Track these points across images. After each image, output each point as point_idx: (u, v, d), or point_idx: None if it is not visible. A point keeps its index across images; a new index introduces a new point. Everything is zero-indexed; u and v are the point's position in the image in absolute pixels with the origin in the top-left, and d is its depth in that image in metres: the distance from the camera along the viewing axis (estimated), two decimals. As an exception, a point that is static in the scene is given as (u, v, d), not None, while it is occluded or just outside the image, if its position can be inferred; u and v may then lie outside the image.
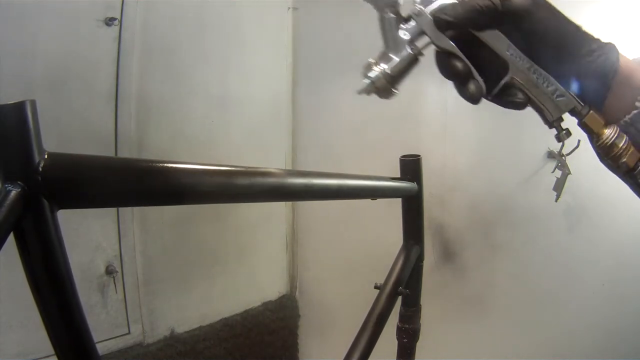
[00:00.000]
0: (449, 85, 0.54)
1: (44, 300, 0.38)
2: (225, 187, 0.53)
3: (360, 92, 0.53)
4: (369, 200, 0.98)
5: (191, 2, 1.50)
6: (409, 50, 0.50)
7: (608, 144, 0.44)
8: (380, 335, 0.83)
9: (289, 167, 1.91)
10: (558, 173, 1.48)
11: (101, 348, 1.28)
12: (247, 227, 1.75)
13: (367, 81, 0.52)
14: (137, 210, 1.40)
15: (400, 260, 1.01)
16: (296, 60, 1.93)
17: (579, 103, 0.45)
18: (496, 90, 0.48)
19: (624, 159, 0.43)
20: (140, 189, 0.45)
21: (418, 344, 1.12)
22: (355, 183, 0.85)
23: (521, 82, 0.46)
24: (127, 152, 1.35)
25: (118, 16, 1.29)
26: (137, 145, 1.37)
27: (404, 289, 0.95)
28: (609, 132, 0.44)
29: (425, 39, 0.49)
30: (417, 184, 1.05)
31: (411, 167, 1.05)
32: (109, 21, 1.27)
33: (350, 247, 1.85)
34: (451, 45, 0.47)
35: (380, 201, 1.00)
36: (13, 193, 0.34)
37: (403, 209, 1.09)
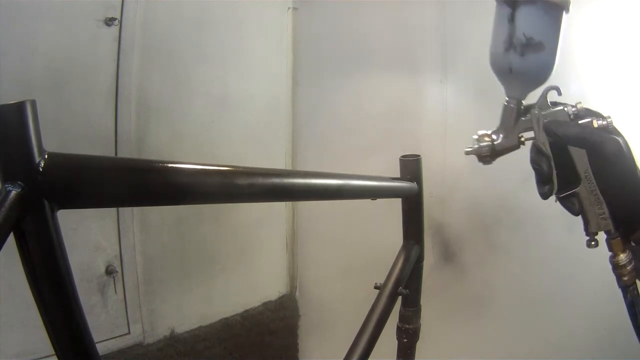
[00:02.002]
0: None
1: (44, 300, 0.38)
2: (225, 187, 0.53)
3: (467, 153, 0.68)
4: (369, 200, 0.98)
5: (191, 2, 1.50)
6: (517, 139, 0.63)
7: (619, 264, 0.59)
8: (380, 335, 0.83)
9: (289, 167, 1.91)
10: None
11: (101, 348, 1.28)
12: (247, 227, 1.75)
13: (476, 146, 0.66)
14: (137, 210, 1.40)
15: (400, 260, 1.01)
16: (296, 60, 1.93)
17: (614, 228, 0.59)
18: (563, 195, 0.60)
19: (625, 278, 0.59)
20: (140, 189, 0.45)
21: (418, 344, 1.12)
22: (355, 183, 0.85)
23: (582, 197, 0.59)
24: (127, 152, 1.35)
25: (118, 16, 1.29)
26: (137, 145, 1.37)
27: (404, 289, 0.95)
28: (623, 257, 0.59)
29: (531, 133, 0.62)
30: (417, 184, 1.05)
31: (411, 167, 1.05)
32: (109, 21, 1.27)
33: (350, 247, 1.85)
34: (548, 150, 0.60)
35: (380, 201, 1.00)
36: (13, 193, 0.34)
37: (403, 209, 1.09)
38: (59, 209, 0.38)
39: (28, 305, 0.38)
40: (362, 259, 1.74)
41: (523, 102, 0.62)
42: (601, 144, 0.55)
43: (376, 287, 0.94)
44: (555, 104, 0.61)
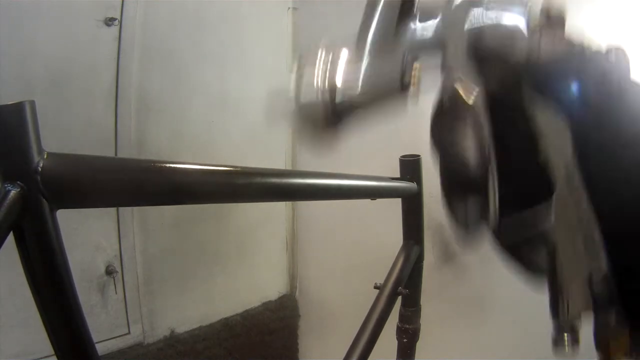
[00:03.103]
0: None
1: (44, 300, 0.38)
2: (225, 187, 0.53)
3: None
4: (369, 200, 0.98)
5: (191, 2, 1.50)
6: (400, 72, 0.27)
7: None
8: (380, 335, 0.83)
9: (289, 167, 1.91)
10: None
11: (101, 348, 1.28)
12: (247, 227, 1.75)
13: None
14: (137, 210, 1.40)
15: (400, 260, 1.01)
16: (296, 60, 1.92)
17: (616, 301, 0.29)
18: (511, 230, 0.27)
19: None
20: (140, 189, 0.45)
21: (418, 344, 1.12)
22: (355, 183, 0.85)
23: (558, 234, 0.27)
24: (127, 152, 1.35)
25: (118, 16, 1.29)
26: (137, 145, 1.37)
27: (404, 289, 0.95)
28: None
29: (435, 59, 0.26)
30: (417, 184, 1.05)
31: (411, 167, 1.05)
32: (109, 21, 1.27)
33: (350, 247, 1.85)
34: (474, 93, 0.25)
35: (380, 201, 1.00)
36: (12, 193, 0.34)
37: (403, 209, 1.09)
38: (59, 208, 0.38)
39: (28, 305, 0.38)
40: (362, 259, 1.74)
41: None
42: (615, 82, 0.24)
43: (376, 287, 0.94)
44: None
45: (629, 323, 0.25)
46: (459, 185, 0.27)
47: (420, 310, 1.12)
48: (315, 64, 0.31)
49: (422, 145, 1.70)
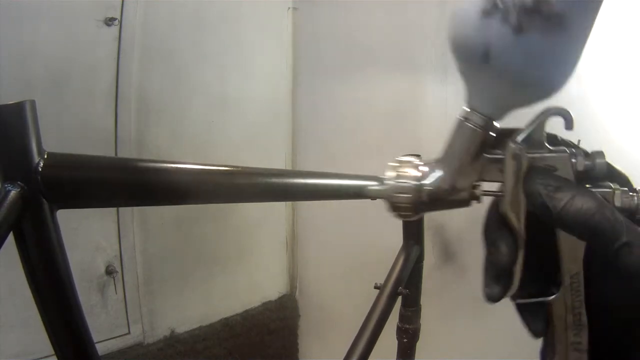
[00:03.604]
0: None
1: (44, 300, 0.38)
2: (225, 187, 0.53)
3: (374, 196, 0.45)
4: (369, 200, 0.97)
5: (191, 2, 1.50)
6: (469, 188, 0.35)
7: None
8: (380, 335, 0.83)
9: (289, 167, 1.91)
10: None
11: (101, 348, 1.28)
12: (247, 227, 1.75)
13: (389, 185, 0.39)
14: (137, 210, 1.40)
15: (400, 260, 1.01)
16: (296, 60, 1.92)
17: None
18: (525, 301, 0.35)
19: None
20: (140, 189, 0.45)
21: (418, 344, 1.12)
22: (355, 183, 0.85)
23: (555, 312, 0.33)
24: (127, 152, 1.35)
25: (118, 16, 1.29)
26: (137, 145, 1.37)
27: (404, 289, 0.95)
28: None
29: (496, 185, 0.34)
30: (417, 184, 1.05)
31: (411, 167, 1.05)
32: (109, 21, 1.27)
33: (350, 247, 1.85)
34: (521, 226, 0.31)
35: (380, 201, 1.00)
36: (13, 193, 0.34)
37: (403, 209, 1.08)
38: (59, 209, 0.38)
39: (28, 305, 0.38)
40: (362, 259, 1.74)
41: (496, 124, 0.34)
42: (622, 246, 0.27)
43: (376, 287, 0.94)
44: (556, 141, 0.33)
45: None
46: (493, 265, 0.35)
47: (420, 310, 1.12)
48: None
49: (422, 145, 1.71)
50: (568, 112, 0.33)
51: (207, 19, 1.56)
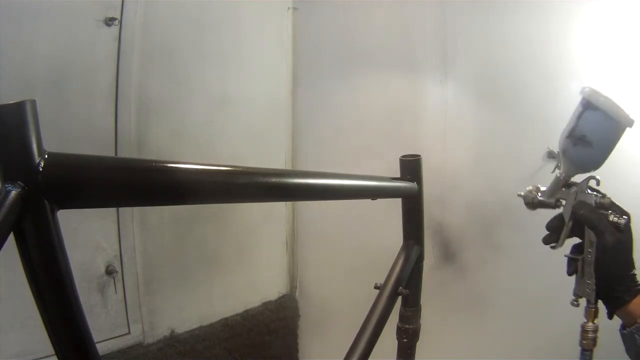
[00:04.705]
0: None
1: (44, 300, 0.38)
2: (225, 187, 0.53)
3: (519, 195, 0.81)
4: (369, 200, 0.97)
5: (191, 2, 1.50)
6: (555, 201, 0.78)
7: (586, 329, 0.73)
8: (380, 335, 0.83)
9: (289, 167, 1.91)
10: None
11: (101, 348, 1.28)
12: (247, 227, 1.75)
13: (525, 193, 0.80)
14: (137, 210, 1.40)
15: (400, 260, 1.01)
16: (296, 60, 1.92)
17: (594, 300, 0.72)
18: (559, 246, 0.76)
19: (585, 342, 0.73)
20: (140, 189, 0.45)
21: (418, 344, 1.12)
22: (355, 183, 0.85)
23: (579, 264, 0.73)
24: (127, 152, 1.35)
25: (118, 16, 1.29)
26: (137, 145, 1.37)
27: (404, 289, 0.95)
28: (591, 325, 0.73)
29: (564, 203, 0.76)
30: (417, 184, 1.05)
31: (411, 167, 1.05)
32: (109, 21, 1.27)
33: (350, 247, 1.85)
34: (567, 219, 0.74)
35: (380, 201, 1.00)
36: (13, 193, 0.34)
37: (403, 209, 1.08)
38: (59, 209, 0.38)
39: (28, 305, 0.38)
40: (362, 259, 1.74)
41: (571, 178, 0.76)
42: (602, 234, 0.68)
43: (376, 287, 0.94)
44: (592, 189, 0.73)
45: (606, 307, 0.72)
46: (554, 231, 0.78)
47: (420, 310, 1.12)
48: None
49: (422, 145, 1.71)
50: (598, 179, 0.73)
51: (207, 19, 1.56)
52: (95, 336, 0.41)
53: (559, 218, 0.74)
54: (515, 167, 1.66)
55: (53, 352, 0.39)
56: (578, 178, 0.75)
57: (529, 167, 1.64)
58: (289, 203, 1.92)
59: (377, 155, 1.62)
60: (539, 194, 0.78)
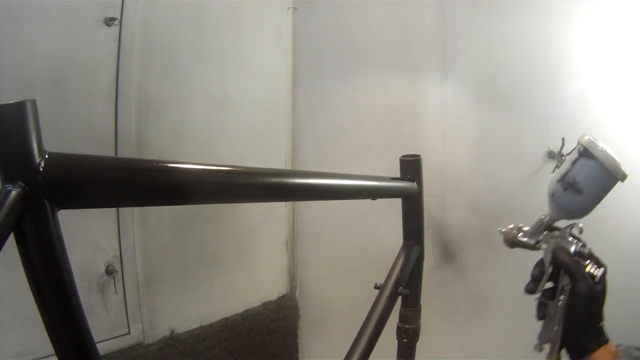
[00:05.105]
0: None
1: (44, 300, 0.38)
2: (225, 187, 0.53)
3: (499, 231, 0.82)
4: (369, 200, 0.98)
5: (191, 2, 1.50)
6: (535, 243, 0.77)
7: None
8: (380, 335, 0.83)
9: (289, 167, 1.91)
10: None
11: (101, 348, 1.27)
12: (247, 227, 1.75)
13: (506, 230, 0.81)
14: (137, 210, 1.40)
15: (400, 260, 1.01)
16: (296, 60, 1.93)
17: (556, 351, 0.71)
18: (540, 299, 0.74)
19: None
20: (140, 189, 0.45)
21: (418, 344, 1.12)
22: (355, 183, 0.85)
23: (549, 309, 0.73)
24: (127, 152, 1.35)
25: (118, 16, 1.29)
26: (137, 145, 1.37)
27: (404, 289, 0.95)
28: None
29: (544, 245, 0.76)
30: (417, 184, 1.05)
31: (411, 167, 1.05)
32: (109, 21, 1.27)
33: (350, 247, 1.85)
34: (547, 263, 0.73)
35: (380, 201, 1.00)
36: (13, 193, 0.34)
37: (403, 209, 1.09)
38: (59, 209, 0.38)
39: (28, 305, 0.38)
40: (362, 259, 1.74)
41: (555, 222, 0.75)
42: (578, 281, 0.68)
43: (376, 287, 0.94)
44: (574, 237, 0.73)
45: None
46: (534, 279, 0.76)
47: (420, 310, 1.12)
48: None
49: (422, 145, 1.71)
50: (581, 227, 0.73)
51: (207, 19, 1.56)
52: (95, 336, 0.41)
53: (541, 264, 0.74)
54: (515, 167, 1.66)
55: (53, 352, 0.39)
56: (562, 223, 0.75)
57: (529, 167, 1.64)
58: (289, 203, 1.92)
59: (377, 155, 1.62)
60: (520, 234, 0.78)
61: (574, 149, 0.71)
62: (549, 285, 0.73)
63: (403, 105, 1.78)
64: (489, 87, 1.70)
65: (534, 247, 0.76)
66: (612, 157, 0.65)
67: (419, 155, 1.06)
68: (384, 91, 1.82)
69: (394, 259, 1.02)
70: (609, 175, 0.66)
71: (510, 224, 0.80)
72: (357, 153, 1.82)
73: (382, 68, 1.82)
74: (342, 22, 1.84)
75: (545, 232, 0.76)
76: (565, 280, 0.70)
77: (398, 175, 1.05)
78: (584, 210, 0.71)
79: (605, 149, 0.66)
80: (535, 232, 0.77)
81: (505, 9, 1.63)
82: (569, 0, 1.56)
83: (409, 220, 1.09)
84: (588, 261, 0.70)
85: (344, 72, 1.86)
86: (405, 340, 1.09)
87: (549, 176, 0.76)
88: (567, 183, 0.70)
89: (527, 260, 0.77)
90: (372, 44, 1.81)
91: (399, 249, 1.06)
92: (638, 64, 1.52)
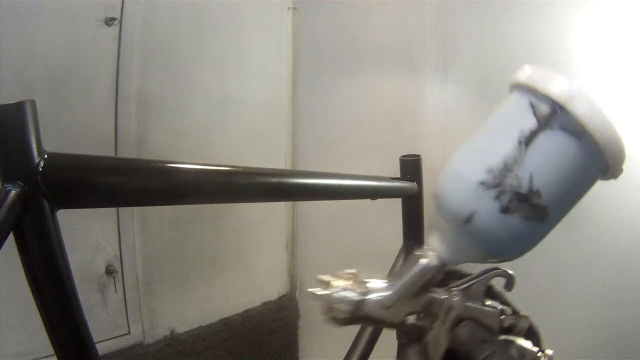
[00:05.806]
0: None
1: (44, 300, 0.38)
2: (225, 187, 0.53)
3: (311, 296, 0.47)
4: (369, 200, 0.98)
5: (191, 2, 1.50)
6: (402, 315, 0.43)
7: None
8: (380, 335, 0.83)
9: (289, 167, 1.91)
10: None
11: (101, 348, 1.28)
12: (247, 227, 1.75)
13: (331, 292, 0.45)
14: (137, 210, 1.40)
15: (400, 260, 1.01)
16: (296, 60, 1.93)
17: None
18: None
19: None
20: (140, 189, 0.45)
21: (418, 344, 1.12)
22: (355, 183, 0.85)
23: None
24: (127, 152, 1.35)
25: (118, 16, 1.29)
26: (137, 145, 1.37)
27: (404, 289, 0.95)
28: None
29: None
30: (417, 184, 1.05)
31: (411, 167, 1.05)
32: (109, 21, 1.27)
33: (350, 247, 1.85)
34: (439, 353, 0.45)
35: (380, 201, 1.00)
36: (13, 193, 0.34)
37: (403, 209, 1.09)
38: (59, 209, 0.38)
39: (28, 305, 0.38)
40: (362, 259, 1.74)
41: (450, 268, 0.38)
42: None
43: (376, 287, 0.94)
44: (492, 296, 0.39)
45: None
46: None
47: (420, 310, 1.12)
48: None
49: (422, 145, 1.71)
50: (512, 276, 0.41)
51: (207, 19, 1.56)
52: (95, 336, 0.41)
53: (414, 343, 0.43)
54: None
55: (53, 352, 0.39)
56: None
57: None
58: (289, 203, 1.92)
59: (377, 155, 1.62)
60: (375, 296, 0.41)
61: (518, 103, 0.36)
62: None
63: (403, 105, 1.78)
64: (489, 87, 1.70)
65: (397, 324, 0.40)
66: (614, 129, 0.35)
67: (419, 155, 1.06)
68: (384, 91, 1.82)
69: (394, 259, 1.02)
70: (596, 168, 0.35)
71: (328, 276, 0.42)
72: (357, 153, 1.82)
73: (382, 68, 1.82)
74: (342, 22, 1.84)
75: (430, 289, 0.40)
76: None
77: (398, 175, 1.05)
78: (536, 242, 0.38)
79: (599, 108, 0.34)
80: (407, 289, 0.38)
81: (505, 9, 1.63)
82: (568, 0, 1.56)
83: (409, 220, 1.09)
84: (522, 340, 0.40)
85: (344, 72, 1.86)
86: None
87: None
88: (514, 194, 0.33)
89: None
90: (372, 44, 1.81)
91: (399, 249, 1.07)
92: (638, 64, 1.52)
